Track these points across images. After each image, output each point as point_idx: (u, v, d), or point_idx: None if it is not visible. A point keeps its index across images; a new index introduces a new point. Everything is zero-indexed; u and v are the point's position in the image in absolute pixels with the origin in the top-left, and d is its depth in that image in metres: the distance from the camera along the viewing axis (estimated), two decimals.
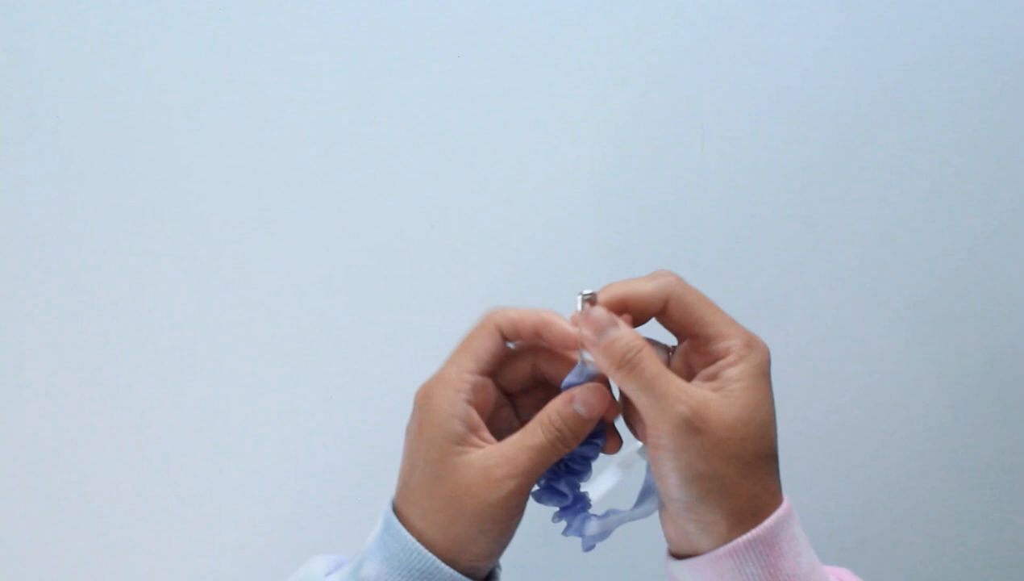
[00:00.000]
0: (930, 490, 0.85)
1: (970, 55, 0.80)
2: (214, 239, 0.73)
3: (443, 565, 0.47)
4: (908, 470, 0.84)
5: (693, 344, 0.48)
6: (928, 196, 0.82)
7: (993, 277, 0.83)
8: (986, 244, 0.83)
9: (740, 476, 0.45)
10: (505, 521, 0.47)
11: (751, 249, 0.80)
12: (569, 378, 0.49)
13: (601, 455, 0.51)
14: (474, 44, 0.75)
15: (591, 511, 0.51)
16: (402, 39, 0.74)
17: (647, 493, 0.50)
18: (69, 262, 0.72)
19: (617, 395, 0.50)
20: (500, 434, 0.49)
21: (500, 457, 0.47)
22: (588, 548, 0.51)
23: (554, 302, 0.76)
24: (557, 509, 0.51)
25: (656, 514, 0.50)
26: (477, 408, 0.49)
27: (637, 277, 0.48)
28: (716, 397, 0.45)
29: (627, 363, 0.45)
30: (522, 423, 0.50)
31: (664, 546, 0.50)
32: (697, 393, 0.45)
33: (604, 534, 0.50)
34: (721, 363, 0.46)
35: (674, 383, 0.45)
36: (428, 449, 0.48)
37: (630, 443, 0.51)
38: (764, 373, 0.47)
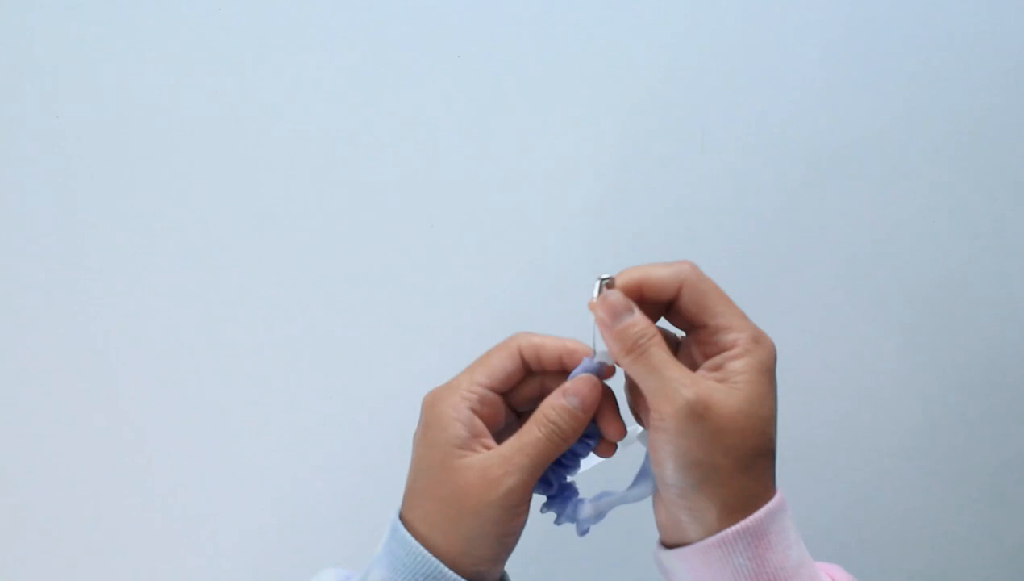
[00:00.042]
0: (930, 490, 0.85)
1: (970, 56, 0.80)
2: (214, 239, 0.73)
3: (447, 569, 0.47)
4: (908, 470, 0.84)
5: (700, 335, 0.48)
6: (927, 197, 0.82)
7: (989, 279, 0.83)
8: (984, 245, 0.83)
9: (736, 468, 0.45)
10: (506, 521, 0.48)
11: (750, 249, 0.80)
12: (575, 372, 0.50)
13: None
14: (474, 44, 0.75)
15: (584, 496, 0.51)
16: (402, 39, 0.74)
17: (642, 477, 0.50)
18: (69, 262, 0.72)
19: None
20: None
21: (498, 457, 0.48)
22: (583, 532, 0.52)
23: (554, 301, 0.76)
24: (544, 500, 0.51)
25: (649, 503, 0.50)
26: (484, 420, 0.49)
27: (655, 262, 0.49)
28: (720, 387, 0.46)
29: (637, 347, 0.46)
30: None
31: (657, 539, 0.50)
32: (702, 381, 0.46)
33: (598, 516, 0.51)
34: (727, 354, 0.47)
35: (681, 370, 0.46)
36: (431, 453, 0.49)
37: (631, 427, 0.51)
38: (768, 369, 0.47)
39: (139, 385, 0.73)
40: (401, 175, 0.75)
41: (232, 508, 0.75)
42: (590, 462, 0.52)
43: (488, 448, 0.49)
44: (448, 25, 0.74)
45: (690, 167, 0.78)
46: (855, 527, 0.84)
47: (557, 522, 0.52)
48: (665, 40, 0.77)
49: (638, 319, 0.47)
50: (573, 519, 0.51)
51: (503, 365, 0.50)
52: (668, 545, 0.49)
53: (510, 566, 0.51)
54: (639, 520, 0.51)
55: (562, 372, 0.50)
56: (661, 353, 0.46)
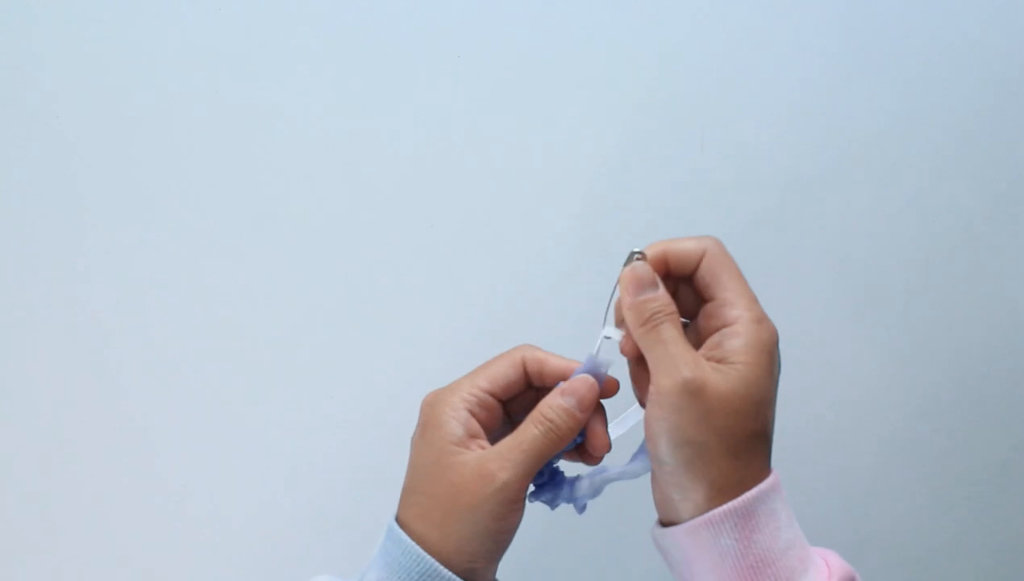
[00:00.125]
0: (929, 490, 0.85)
1: (969, 57, 0.80)
2: (214, 239, 0.73)
3: (441, 568, 0.47)
4: (907, 470, 0.84)
5: (708, 308, 0.49)
6: (926, 197, 0.82)
7: (986, 278, 0.83)
8: (979, 246, 0.83)
9: (726, 449, 0.46)
10: (501, 518, 0.48)
11: (750, 249, 0.79)
12: (578, 371, 0.50)
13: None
14: (474, 44, 0.75)
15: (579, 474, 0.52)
16: (402, 39, 0.74)
17: (639, 454, 0.51)
18: (69, 263, 0.72)
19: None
20: None
21: (494, 453, 0.48)
22: (581, 508, 0.52)
23: (554, 301, 0.76)
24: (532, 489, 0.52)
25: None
26: (481, 423, 0.50)
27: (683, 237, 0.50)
28: (718, 367, 0.46)
29: (652, 321, 0.47)
30: None
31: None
32: (702, 362, 0.47)
33: (595, 492, 0.52)
34: (726, 331, 0.47)
35: (686, 350, 0.47)
36: (428, 451, 0.49)
37: (633, 406, 0.52)
38: (768, 352, 0.47)
39: (139, 385, 0.74)
40: (401, 175, 0.75)
41: (232, 508, 0.75)
42: (628, 422, 0.52)
43: (483, 448, 0.49)
44: (448, 25, 0.74)
45: (690, 167, 0.78)
46: (855, 527, 0.84)
47: (553, 506, 0.52)
48: (665, 40, 0.77)
49: (660, 295, 0.48)
50: (570, 499, 0.52)
51: (505, 372, 0.51)
52: (663, 524, 0.49)
53: (505, 569, 0.52)
54: (638, 513, 0.51)
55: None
56: (672, 330, 0.47)
